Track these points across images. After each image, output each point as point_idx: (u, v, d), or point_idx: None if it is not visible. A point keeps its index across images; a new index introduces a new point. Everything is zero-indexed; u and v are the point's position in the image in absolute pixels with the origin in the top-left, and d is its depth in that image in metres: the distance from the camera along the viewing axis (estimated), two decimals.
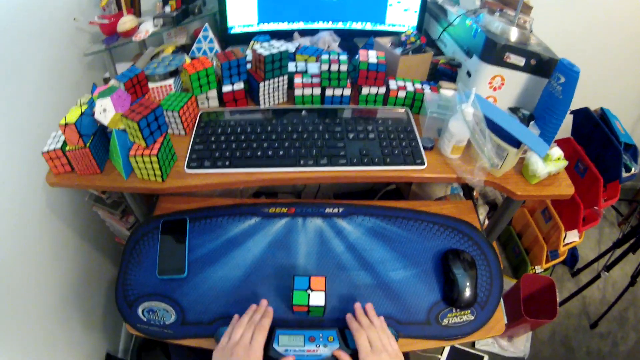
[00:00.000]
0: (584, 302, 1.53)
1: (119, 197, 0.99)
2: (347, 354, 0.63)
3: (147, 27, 0.97)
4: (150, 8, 1.08)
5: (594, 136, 1.25)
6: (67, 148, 0.71)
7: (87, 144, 0.70)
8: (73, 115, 0.69)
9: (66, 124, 0.68)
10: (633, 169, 1.26)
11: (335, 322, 0.69)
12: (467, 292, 0.72)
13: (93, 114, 0.72)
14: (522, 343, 1.35)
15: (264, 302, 0.69)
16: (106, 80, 1.05)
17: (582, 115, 1.28)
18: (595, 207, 1.26)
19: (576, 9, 1.33)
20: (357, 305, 0.69)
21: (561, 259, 1.32)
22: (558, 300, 1.25)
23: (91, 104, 0.74)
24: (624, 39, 1.42)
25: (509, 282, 1.39)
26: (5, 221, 0.76)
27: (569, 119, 1.31)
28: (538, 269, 1.35)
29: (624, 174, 1.24)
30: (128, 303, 0.73)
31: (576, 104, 1.20)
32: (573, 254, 1.62)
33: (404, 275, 0.74)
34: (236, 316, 0.67)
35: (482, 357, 1.29)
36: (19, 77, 0.80)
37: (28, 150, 0.80)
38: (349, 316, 0.67)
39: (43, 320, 0.88)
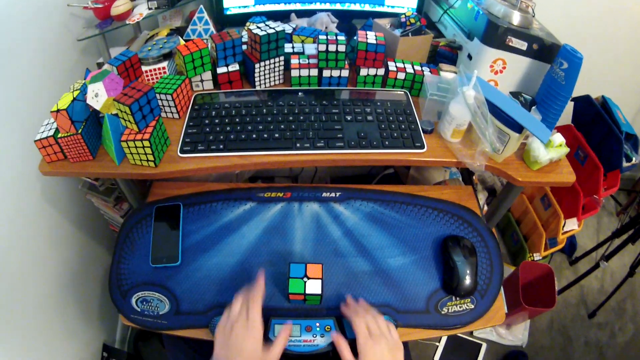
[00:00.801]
0: (582, 292, 1.50)
1: (112, 184, 0.96)
2: (344, 339, 0.60)
3: (141, 10, 0.93)
4: None
5: (595, 124, 1.21)
6: (59, 135, 0.68)
7: (79, 130, 0.67)
8: (65, 102, 0.65)
9: (58, 111, 0.64)
10: (634, 159, 1.22)
11: (332, 310, 0.66)
12: (467, 280, 0.68)
13: (85, 99, 0.68)
14: (520, 331, 1.32)
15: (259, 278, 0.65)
16: (100, 65, 1.00)
17: (583, 103, 1.23)
18: (595, 196, 1.22)
19: None
20: (349, 298, 0.66)
21: (560, 247, 1.29)
22: (556, 289, 1.22)
23: (84, 89, 0.70)
24: (628, 26, 1.37)
25: (507, 269, 1.36)
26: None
27: (569, 106, 1.27)
28: (537, 257, 1.31)
29: (625, 164, 1.21)
30: (122, 293, 0.70)
31: (577, 91, 1.16)
32: (571, 242, 1.58)
33: (402, 262, 0.71)
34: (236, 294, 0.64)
35: (480, 344, 1.26)
36: (11, 64, 0.76)
37: (22, 138, 0.77)
38: (343, 305, 0.65)
39: (39, 311, 0.85)
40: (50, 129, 0.69)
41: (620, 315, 1.45)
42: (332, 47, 0.73)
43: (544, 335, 1.38)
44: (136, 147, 0.66)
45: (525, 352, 1.30)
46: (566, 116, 1.27)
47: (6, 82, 0.75)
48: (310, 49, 0.80)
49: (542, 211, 1.35)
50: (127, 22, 0.91)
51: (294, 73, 0.77)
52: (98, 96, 0.68)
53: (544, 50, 0.80)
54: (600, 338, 1.39)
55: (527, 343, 1.31)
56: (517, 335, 1.31)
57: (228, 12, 0.94)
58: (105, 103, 0.68)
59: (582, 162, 1.21)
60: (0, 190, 0.73)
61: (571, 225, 1.24)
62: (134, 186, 0.85)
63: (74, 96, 0.67)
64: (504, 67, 0.83)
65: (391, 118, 0.74)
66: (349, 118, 0.73)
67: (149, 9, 0.92)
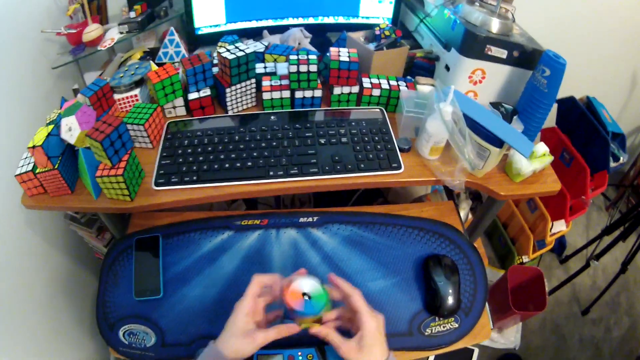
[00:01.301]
0: (573, 290, 1.48)
1: (93, 215, 0.94)
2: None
3: (113, 35, 0.89)
4: (117, 13, 1.00)
5: (580, 125, 1.19)
6: (37, 170, 0.66)
7: (56, 166, 0.65)
8: (40, 137, 0.64)
9: (34, 147, 0.63)
10: (621, 158, 1.20)
11: (314, 337, 0.64)
12: (450, 300, 0.66)
13: (60, 134, 0.67)
14: (512, 334, 1.30)
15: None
16: (75, 92, 0.98)
17: (568, 104, 1.21)
18: (582, 197, 1.20)
19: None
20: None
21: (548, 248, 1.27)
22: (547, 289, 1.20)
23: (58, 121, 0.68)
24: (611, 25, 1.34)
25: (496, 273, 1.34)
26: None
27: (553, 108, 1.24)
28: (525, 259, 1.29)
29: (612, 164, 1.19)
30: (109, 326, 0.68)
31: (561, 92, 1.13)
32: (560, 241, 1.56)
33: (383, 285, 0.69)
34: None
35: (472, 350, 1.24)
36: None
37: (4, 170, 0.75)
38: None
39: (31, 338, 0.84)
40: (29, 163, 0.68)
41: (615, 310, 1.43)
42: (303, 68, 0.70)
43: (537, 336, 1.36)
44: (111, 182, 0.64)
45: (519, 354, 1.28)
46: (550, 118, 1.24)
47: None
48: (283, 68, 0.77)
49: (528, 214, 1.33)
50: (99, 47, 0.89)
51: (266, 96, 0.75)
52: (72, 130, 0.67)
53: (525, 57, 0.77)
54: (595, 334, 1.37)
55: (520, 345, 1.30)
56: (510, 338, 1.29)
57: (200, 32, 0.91)
58: (79, 137, 0.67)
59: (568, 164, 1.19)
60: None
61: (559, 226, 1.22)
62: (114, 217, 0.83)
63: (49, 131, 0.65)
64: (484, 77, 0.80)
65: (366, 138, 0.71)
66: (322, 141, 0.70)
67: (120, 32, 0.89)
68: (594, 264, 1.30)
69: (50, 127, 0.66)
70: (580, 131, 1.20)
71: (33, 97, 0.88)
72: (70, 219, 0.93)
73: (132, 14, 0.89)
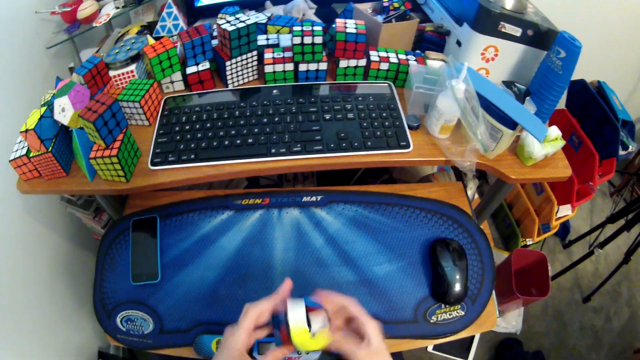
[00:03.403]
0: (576, 275, 1.43)
1: (90, 196, 0.88)
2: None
3: (108, 10, 0.83)
4: None
5: (590, 110, 1.12)
6: (31, 154, 0.61)
7: (49, 148, 0.61)
8: (32, 120, 0.60)
9: (26, 131, 0.59)
10: (630, 146, 1.13)
11: None
12: (457, 287, 0.61)
13: (53, 115, 0.61)
14: (514, 318, 1.25)
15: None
16: (71, 70, 0.92)
17: (578, 87, 1.14)
18: (590, 183, 1.14)
19: None
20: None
21: (553, 232, 1.21)
22: (550, 273, 1.14)
23: (52, 103, 0.63)
24: (624, 10, 1.25)
25: (500, 255, 1.28)
26: None
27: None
28: (529, 242, 1.24)
29: (621, 152, 1.12)
30: (106, 313, 0.64)
31: (572, 74, 1.06)
32: (565, 225, 1.50)
33: (389, 270, 0.63)
34: None
35: (473, 335, 1.20)
36: None
37: (0, 154, 0.70)
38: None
39: (32, 320, 0.80)
40: (23, 147, 0.63)
41: (616, 299, 1.38)
42: (307, 39, 0.64)
43: (538, 321, 1.31)
44: (105, 163, 0.59)
45: (520, 339, 1.24)
46: (561, 100, 1.18)
47: None
48: (286, 40, 0.69)
49: (534, 196, 1.26)
50: (94, 24, 0.82)
51: (268, 69, 0.68)
52: (65, 110, 0.62)
53: (540, 37, 0.70)
54: (596, 322, 1.32)
55: (521, 330, 1.25)
56: (511, 322, 1.24)
57: (199, 4, 0.83)
58: (73, 117, 0.61)
59: (577, 148, 1.13)
60: None
61: (565, 211, 1.16)
62: (111, 198, 0.77)
63: (41, 113, 0.60)
64: (496, 55, 0.73)
65: (374, 114, 0.65)
66: (327, 117, 0.64)
67: (116, 8, 0.82)
68: (598, 252, 1.24)
69: (43, 109, 0.61)
70: (590, 115, 1.12)
71: (29, 80, 0.83)
72: (66, 201, 0.88)
73: None
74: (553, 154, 0.70)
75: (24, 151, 0.63)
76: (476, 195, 1.15)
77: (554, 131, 0.69)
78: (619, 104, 1.14)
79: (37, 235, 0.85)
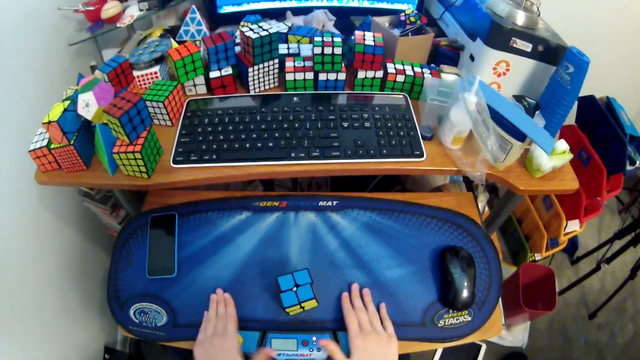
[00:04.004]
0: (582, 292, 1.48)
1: (108, 192, 0.94)
2: (335, 343, 0.61)
3: (132, 12, 0.89)
4: None
5: (599, 125, 1.18)
6: (52, 146, 0.66)
7: (71, 141, 0.65)
8: (56, 113, 0.64)
9: (49, 122, 0.63)
10: (638, 161, 1.19)
11: (329, 323, 0.65)
12: (465, 294, 0.66)
13: (76, 109, 0.66)
14: (520, 332, 1.31)
15: (219, 291, 0.67)
16: (93, 69, 0.98)
17: (588, 103, 1.20)
18: (597, 198, 1.20)
19: None
20: (355, 287, 0.66)
21: (561, 247, 1.27)
22: (557, 289, 1.20)
23: (75, 97, 0.68)
24: (635, 25, 1.33)
25: (508, 269, 1.34)
26: None
27: (574, 106, 1.23)
28: (538, 257, 1.29)
29: (628, 167, 1.18)
30: (119, 304, 0.69)
31: (582, 90, 1.12)
32: (573, 241, 1.56)
33: (399, 274, 0.69)
34: (206, 313, 0.66)
35: (480, 345, 1.25)
36: (4, 70, 0.74)
37: (18, 146, 0.75)
38: (344, 295, 0.66)
39: (40, 313, 0.85)
40: (44, 138, 0.68)
41: (621, 315, 1.43)
42: (327, 50, 0.70)
43: (543, 335, 1.36)
44: (128, 159, 0.64)
45: (525, 353, 1.29)
46: (569, 115, 1.24)
47: (1, 88, 0.73)
48: (306, 50, 0.76)
49: (543, 211, 1.32)
50: (118, 24, 0.88)
51: (289, 77, 0.74)
52: (89, 106, 0.67)
53: (549, 52, 0.76)
54: (600, 338, 1.37)
55: (527, 344, 1.30)
56: (517, 336, 1.29)
57: (222, 11, 0.90)
58: (96, 113, 0.66)
59: (585, 164, 1.19)
60: None
61: (573, 226, 1.22)
62: (130, 194, 0.83)
63: (65, 107, 0.65)
64: (508, 69, 0.79)
65: (389, 124, 0.71)
66: (345, 125, 0.70)
67: (140, 10, 0.89)
68: (604, 268, 1.30)
69: (67, 102, 0.66)
70: (599, 131, 1.19)
71: (49, 74, 0.89)
72: (84, 195, 0.94)
73: None
74: (561, 167, 0.76)
75: (45, 143, 0.67)
76: (487, 209, 1.22)
77: (562, 145, 0.75)
78: (627, 120, 1.20)
79: (51, 227, 0.90)
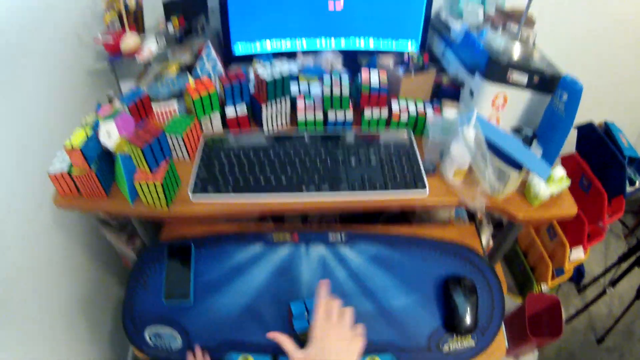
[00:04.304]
0: (590, 318, 1.53)
1: (125, 220, 1.01)
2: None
3: (150, 46, 0.98)
4: (153, 24, 1.09)
5: (598, 151, 1.25)
6: (73, 171, 0.72)
7: (93, 168, 0.71)
8: (78, 138, 0.70)
9: (72, 147, 0.68)
10: (637, 182, 1.25)
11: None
12: (468, 319, 0.72)
13: (98, 137, 0.72)
14: None
15: (198, 352, 0.71)
16: (110, 99, 1.06)
17: (586, 130, 1.27)
18: (600, 223, 1.26)
19: (580, 19, 1.33)
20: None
21: (567, 276, 1.32)
22: (564, 317, 1.24)
23: (96, 125, 0.75)
24: (631, 49, 1.41)
25: (514, 301, 1.39)
26: (11, 239, 0.77)
27: (573, 134, 1.31)
28: (544, 287, 1.34)
29: (629, 188, 1.23)
30: (135, 326, 0.75)
31: (582, 117, 1.19)
32: (579, 269, 1.61)
33: (405, 302, 0.75)
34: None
35: None
36: (24, 92, 0.81)
37: (35, 167, 0.81)
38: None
39: (50, 338, 0.89)
40: (64, 163, 0.73)
41: (629, 338, 1.47)
42: (336, 90, 0.78)
43: None
44: (149, 188, 0.70)
45: None
46: (570, 144, 1.31)
47: (19, 109, 0.79)
48: (316, 89, 0.85)
49: (548, 242, 1.38)
50: (137, 58, 0.97)
51: (300, 116, 0.83)
52: (110, 135, 0.73)
53: (545, 82, 0.82)
54: None
55: None
56: None
57: (235, 50, 0.99)
58: (118, 142, 0.73)
59: (587, 190, 1.25)
60: (14, 217, 0.77)
61: (577, 253, 1.27)
62: (147, 224, 0.90)
63: (87, 134, 0.70)
64: (505, 103, 0.86)
65: (394, 160, 0.79)
66: (353, 161, 0.78)
67: (158, 45, 0.98)
68: (610, 291, 1.34)
69: (89, 129, 0.71)
70: (598, 156, 1.25)
71: (67, 99, 0.96)
72: (101, 222, 1.00)
73: (170, 28, 0.97)
74: (559, 193, 0.82)
75: (65, 167, 0.72)
76: (491, 242, 1.28)
77: (559, 171, 0.80)
78: (626, 142, 1.26)
79: (65, 251, 0.94)
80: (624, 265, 1.38)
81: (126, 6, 0.97)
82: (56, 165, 0.73)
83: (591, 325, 1.51)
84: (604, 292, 1.38)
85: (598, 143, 1.25)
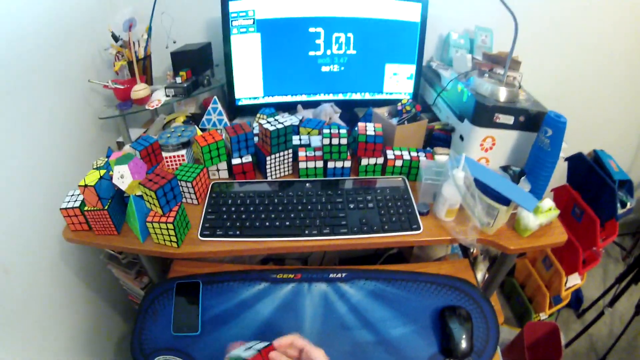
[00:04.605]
0: (591, 340, 1.60)
1: (134, 258, 1.09)
2: None
3: (159, 96, 1.09)
4: (160, 75, 1.20)
5: (590, 179, 1.33)
6: (86, 208, 0.80)
7: (106, 207, 0.79)
8: (92, 178, 0.78)
9: (86, 186, 0.76)
10: (629, 203, 1.32)
11: None
12: (464, 344, 0.80)
13: (111, 179, 0.81)
14: None
15: None
16: (120, 145, 1.16)
17: (576, 160, 1.37)
18: (594, 248, 1.34)
19: (564, 54, 1.44)
20: None
21: (564, 303, 1.40)
22: (564, 342, 1.31)
23: (107, 167, 0.84)
24: (616, 76, 1.53)
25: (514, 332, 1.45)
26: (19, 271, 0.85)
27: (564, 166, 1.40)
28: (542, 316, 1.42)
29: (620, 210, 1.30)
30: (144, 355, 0.81)
31: (573, 148, 1.28)
32: (578, 296, 1.68)
33: (403, 332, 0.83)
34: None
35: None
36: (35, 131, 0.90)
37: (44, 203, 0.90)
38: None
39: None
40: (76, 200, 0.82)
41: (632, 353, 1.54)
42: (335, 141, 0.89)
43: None
44: (161, 228, 0.79)
45: None
46: (561, 176, 1.40)
47: (31, 146, 0.88)
48: (316, 141, 0.95)
49: (544, 272, 1.47)
50: (147, 107, 1.07)
51: (302, 165, 0.93)
52: (123, 177, 0.81)
53: (530, 121, 0.91)
54: None
55: None
56: None
57: (239, 103, 1.11)
58: (131, 185, 0.81)
59: (579, 219, 1.34)
60: (21, 251, 0.85)
61: (574, 280, 1.36)
62: (156, 262, 0.98)
63: (101, 174, 0.79)
64: (494, 144, 0.95)
65: (390, 204, 0.89)
66: (351, 206, 0.88)
67: (167, 96, 1.08)
68: (608, 311, 1.42)
69: (102, 171, 0.80)
70: (589, 185, 1.34)
71: (78, 141, 1.06)
72: (109, 258, 1.09)
73: (178, 80, 1.08)
74: (548, 223, 0.88)
75: (77, 204, 0.80)
76: (487, 276, 1.36)
77: (547, 203, 0.88)
78: (616, 166, 1.34)
79: (70, 286, 1.02)
80: (623, 284, 1.45)
81: (136, 54, 1.08)
82: (69, 202, 0.82)
83: (593, 347, 1.58)
84: (602, 314, 1.45)
85: (588, 171, 1.34)
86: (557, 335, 1.31)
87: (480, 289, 0.92)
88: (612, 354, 1.50)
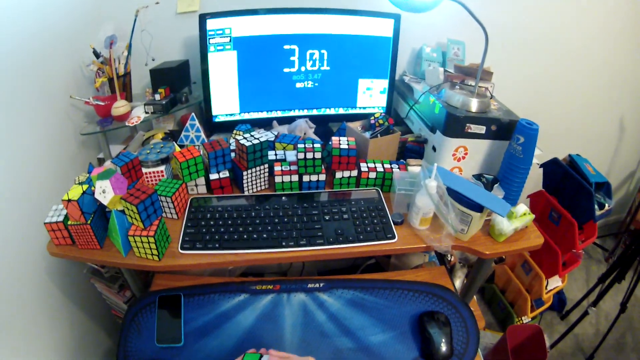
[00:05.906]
0: (577, 340, 1.66)
1: (117, 272, 1.13)
2: None
3: (139, 113, 1.14)
4: (139, 92, 1.25)
5: (566, 183, 1.40)
6: (69, 222, 0.83)
7: (89, 221, 0.83)
8: (75, 193, 0.81)
9: (69, 200, 0.79)
10: (607, 205, 1.38)
11: None
12: (444, 348, 0.85)
13: (94, 194, 0.84)
14: None
15: None
16: (100, 161, 1.20)
17: (552, 166, 1.43)
18: (573, 250, 1.41)
19: (536, 63, 1.52)
20: None
21: (546, 305, 1.46)
22: (549, 343, 1.37)
23: (90, 183, 0.87)
24: (590, 82, 1.61)
25: (497, 337, 1.51)
26: (2, 285, 0.87)
27: (539, 172, 1.46)
28: (525, 319, 1.48)
29: (599, 212, 1.36)
30: None
31: (552, 152, 1.34)
32: (560, 298, 1.75)
33: (382, 338, 0.88)
34: None
35: None
36: (20, 146, 0.93)
37: (27, 218, 0.93)
38: None
39: None
40: (60, 215, 0.85)
41: (621, 350, 1.60)
42: (309, 155, 0.94)
43: None
44: (142, 242, 0.83)
45: None
46: (537, 182, 1.46)
47: (12, 162, 0.91)
48: (291, 155, 1.01)
49: (524, 277, 1.54)
50: (127, 123, 1.12)
51: (278, 179, 0.98)
52: (105, 192, 0.84)
53: (502, 129, 0.96)
54: None
55: None
56: None
57: (216, 120, 1.16)
58: (112, 199, 0.84)
59: (557, 222, 1.41)
60: (5, 266, 0.88)
61: (554, 282, 1.42)
62: (138, 276, 1.02)
63: (84, 189, 0.82)
64: (466, 154, 1.00)
65: (364, 214, 0.94)
66: (327, 218, 0.93)
67: (146, 112, 1.13)
68: (592, 311, 1.48)
69: (85, 186, 0.83)
70: (567, 189, 1.41)
71: (59, 156, 1.09)
72: (92, 272, 1.12)
73: (157, 97, 1.13)
74: (523, 228, 0.94)
75: (61, 218, 0.83)
76: (465, 282, 1.41)
77: (521, 208, 0.94)
78: (592, 170, 1.41)
79: (55, 301, 1.05)
80: (607, 283, 1.52)
81: (116, 71, 1.13)
82: (53, 216, 0.85)
83: (579, 347, 1.64)
84: (586, 313, 1.51)
85: (564, 176, 1.41)
86: (541, 337, 1.37)
87: (457, 294, 0.98)
88: (600, 352, 1.56)
